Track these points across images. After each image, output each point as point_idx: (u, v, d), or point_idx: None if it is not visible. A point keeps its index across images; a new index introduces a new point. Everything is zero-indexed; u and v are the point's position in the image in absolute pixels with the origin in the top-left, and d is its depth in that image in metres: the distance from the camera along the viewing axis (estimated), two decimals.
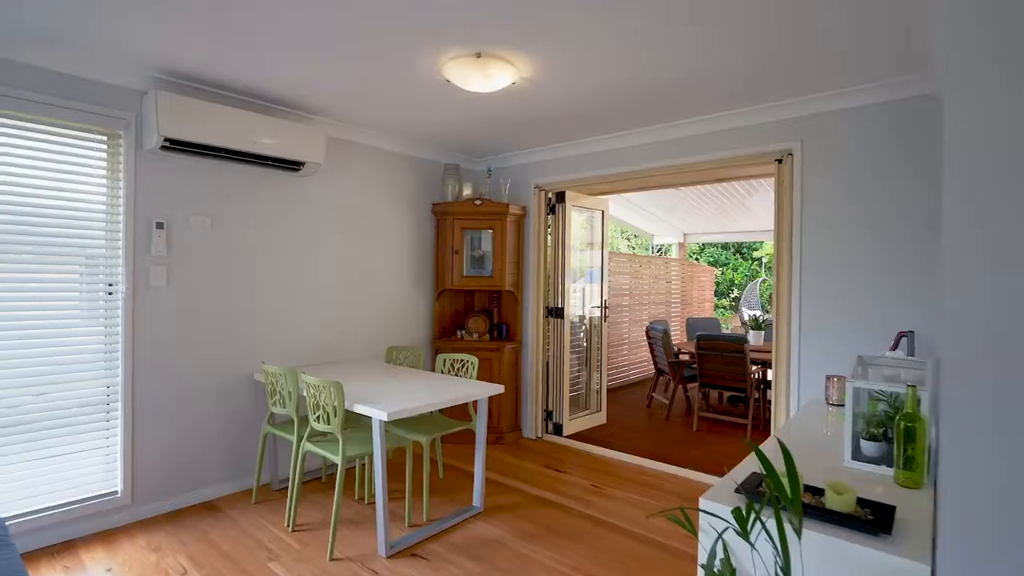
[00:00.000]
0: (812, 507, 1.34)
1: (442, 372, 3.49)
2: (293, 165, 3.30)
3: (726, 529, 1.26)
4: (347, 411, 2.66)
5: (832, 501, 1.36)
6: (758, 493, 1.43)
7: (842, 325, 2.94)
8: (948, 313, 0.93)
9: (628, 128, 3.68)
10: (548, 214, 4.46)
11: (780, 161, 3.16)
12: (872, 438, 1.80)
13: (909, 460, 1.60)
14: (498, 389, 2.96)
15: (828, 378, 2.63)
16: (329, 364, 3.65)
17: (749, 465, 1.72)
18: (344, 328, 3.83)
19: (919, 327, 2.69)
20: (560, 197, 4.45)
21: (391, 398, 2.63)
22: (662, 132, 3.60)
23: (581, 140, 4.00)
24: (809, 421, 2.27)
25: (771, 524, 1.29)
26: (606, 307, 4.89)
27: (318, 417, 2.65)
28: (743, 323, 9.01)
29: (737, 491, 1.46)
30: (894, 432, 1.63)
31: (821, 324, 3.01)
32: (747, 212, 7.07)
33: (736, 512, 1.20)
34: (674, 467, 3.74)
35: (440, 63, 2.60)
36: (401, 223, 4.21)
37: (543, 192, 4.41)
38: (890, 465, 1.71)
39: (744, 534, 1.19)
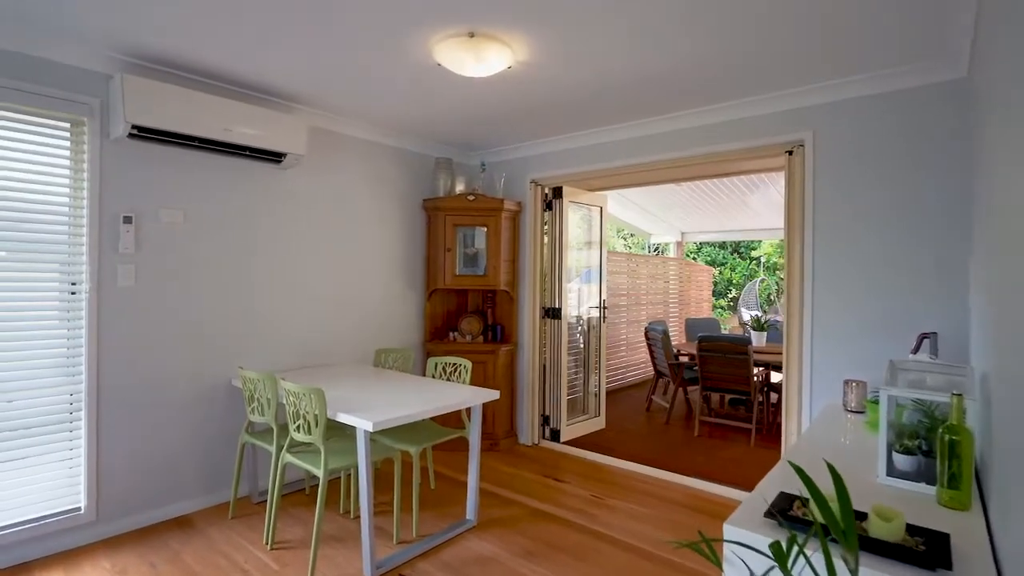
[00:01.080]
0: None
1: (433, 376, 3.30)
2: (273, 156, 3.10)
3: (771, 570, 1.07)
4: (330, 420, 2.47)
5: (877, 528, 1.18)
6: (791, 518, 1.25)
7: (857, 326, 2.78)
8: None
9: (630, 119, 3.50)
10: (545, 210, 4.28)
11: (790, 153, 2.99)
12: (907, 451, 1.62)
13: (954, 477, 1.43)
14: (493, 395, 2.77)
15: (846, 383, 2.46)
16: (314, 368, 3.44)
17: (775, 481, 1.54)
18: (330, 330, 3.62)
19: (942, 327, 2.53)
20: (557, 192, 4.26)
21: (377, 406, 2.43)
22: (665, 123, 3.43)
23: (580, 132, 3.82)
24: (829, 430, 2.09)
25: (816, 559, 1.11)
26: (605, 307, 4.72)
27: (298, 427, 2.45)
28: (742, 324, 8.87)
29: (767, 515, 1.28)
30: (936, 446, 1.46)
31: (835, 325, 2.85)
32: (747, 210, 6.93)
33: (775, 547, 1.02)
34: (678, 475, 3.57)
35: (431, 44, 2.41)
36: (390, 219, 4.02)
37: (539, 187, 4.23)
38: (928, 482, 1.54)
39: (787, 572, 1.01)
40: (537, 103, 3.22)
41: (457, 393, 2.72)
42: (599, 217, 4.71)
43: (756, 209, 6.83)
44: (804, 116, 2.93)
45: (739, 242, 12.23)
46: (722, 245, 12.46)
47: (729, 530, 1.25)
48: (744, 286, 10.91)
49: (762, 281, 10.42)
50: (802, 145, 2.93)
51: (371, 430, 2.18)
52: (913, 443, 1.64)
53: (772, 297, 10.19)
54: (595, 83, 2.87)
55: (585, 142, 3.85)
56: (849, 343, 2.81)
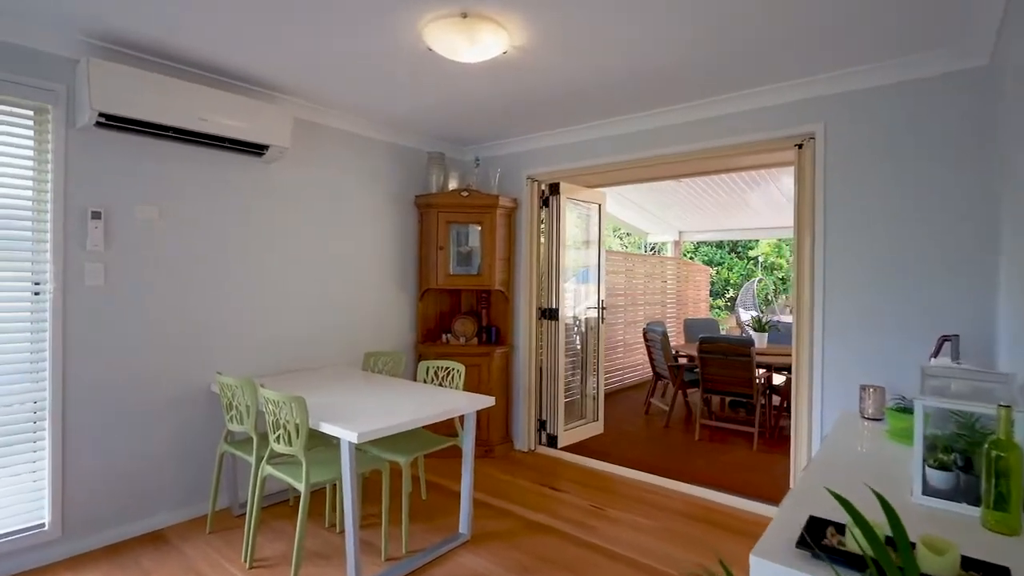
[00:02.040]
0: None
1: (425, 381, 3.13)
2: (255, 149, 2.93)
3: None
4: (313, 430, 2.29)
5: (928, 563, 1.03)
6: (829, 551, 1.10)
7: (871, 326, 2.64)
8: None
9: (631, 112, 3.35)
10: (541, 207, 4.12)
11: (800, 146, 2.85)
12: (942, 466, 1.48)
13: (1001, 498, 1.28)
14: (488, 402, 2.61)
15: (863, 388, 2.32)
16: (299, 372, 3.27)
17: (801, 501, 1.39)
18: (317, 332, 3.45)
19: (963, 329, 2.39)
20: (554, 189, 4.11)
21: (364, 414, 2.27)
22: (668, 116, 3.28)
23: (578, 126, 3.67)
24: (847, 440, 1.95)
25: None
26: (603, 308, 4.56)
27: (279, 437, 2.28)
28: (740, 324, 8.75)
29: (799, 546, 1.13)
30: (982, 463, 1.32)
31: (846, 325, 2.71)
32: (746, 208, 6.80)
33: None
34: (680, 483, 3.42)
35: (420, 26, 2.25)
36: (380, 216, 3.85)
37: (536, 183, 4.07)
38: (969, 501, 1.39)
39: None
40: (533, 95, 3.06)
41: (449, 400, 2.56)
42: (597, 215, 4.56)
43: (756, 208, 6.71)
44: (814, 107, 2.79)
45: (736, 242, 12.13)
46: (719, 245, 12.35)
47: (758, 564, 1.09)
48: (742, 286, 10.81)
49: (760, 281, 10.31)
50: (812, 138, 2.79)
51: (356, 442, 2.02)
52: (948, 457, 1.50)
53: (770, 297, 10.09)
54: (594, 73, 2.72)
55: (584, 136, 3.70)
56: (862, 345, 2.67)
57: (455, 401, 2.53)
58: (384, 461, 2.49)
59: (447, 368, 3.06)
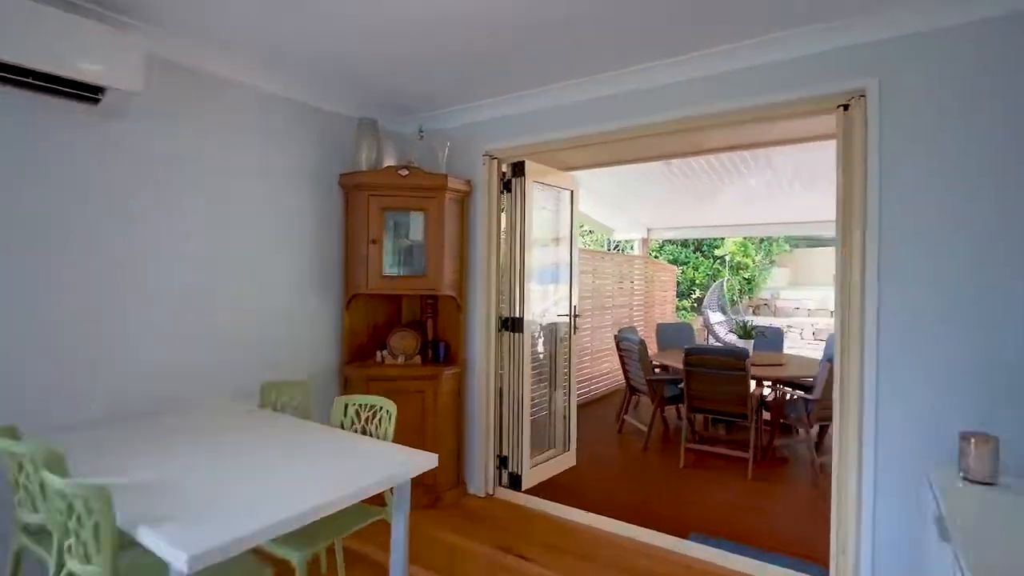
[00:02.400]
0: None
1: (342, 425, 2.26)
2: (85, 92, 1.98)
3: None
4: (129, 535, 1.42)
5: None
6: None
7: (945, 344, 1.98)
8: None
9: (621, 66, 2.58)
10: (502, 192, 3.32)
11: (845, 108, 2.17)
12: None
13: None
14: (427, 463, 1.79)
15: (964, 438, 1.65)
16: (159, 416, 2.32)
17: None
18: (191, 357, 2.51)
19: None
20: (518, 170, 3.32)
21: (224, 501, 1.40)
22: (668, 71, 2.53)
23: (551, 86, 2.87)
24: (986, 529, 1.27)
25: None
26: (576, 315, 3.81)
27: (70, 547, 1.38)
28: (707, 326, 8.25)
29: None
30: None
31: (910, 344, 2.04)
32: (722, 201, 6.23)
33: None
34: (672, 538, 2.70)
35: None
36: (292, 198, 2.94)
37: (495, 162, 3.26)
38: None
39: None
40: (492, 37, 2.24)
41: (371, 465, 1.72)
42: (569, 203, 3.80)
43: (731, 200, 6.16)
44: (866, 56, 2.11)
45: (702, 240, 11.71)
46: (684, 243, 11.90)
47: None
48: (708, 286, 10.38)
49: (727, 281, 9.90)
50: (863, 96, 2.11)
51: (186, 572, 1.15)
52: None
53: (735, 298, 9.69)
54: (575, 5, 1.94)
55: (559, 99, 2.91)
56: (937, 370, 2.01)
57: (381, 469, 1.69)
58: (266, 569, 1.62)
59: (373, 407, 2.20)
